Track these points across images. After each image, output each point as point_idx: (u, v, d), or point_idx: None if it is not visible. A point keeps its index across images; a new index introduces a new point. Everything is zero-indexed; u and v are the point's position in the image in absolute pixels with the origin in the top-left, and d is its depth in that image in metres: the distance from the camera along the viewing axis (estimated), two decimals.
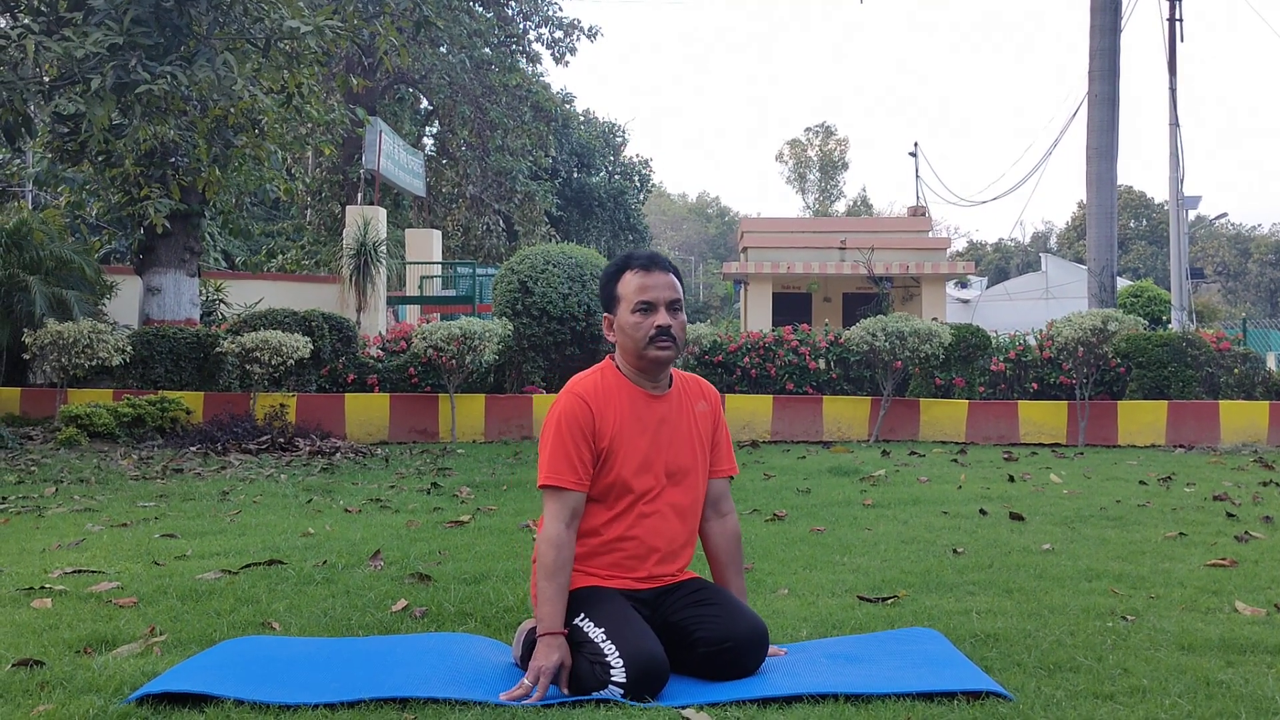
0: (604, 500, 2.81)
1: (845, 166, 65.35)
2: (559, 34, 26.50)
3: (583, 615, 2.70)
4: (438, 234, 20.73)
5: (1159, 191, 73.85)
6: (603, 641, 2.61)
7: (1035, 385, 11.56)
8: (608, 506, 2.82)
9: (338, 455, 9.22)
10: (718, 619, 2.73)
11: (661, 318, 2.80)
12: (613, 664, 2.56)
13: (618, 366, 2.90)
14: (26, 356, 10.94)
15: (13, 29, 9.24)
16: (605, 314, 2.92)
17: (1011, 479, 7.42)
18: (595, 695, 2.55)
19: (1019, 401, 11.17)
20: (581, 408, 2.78)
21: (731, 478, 3.05)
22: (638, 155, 43.72)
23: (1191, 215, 25.12)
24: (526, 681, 2.58)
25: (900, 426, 11.13)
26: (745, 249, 25.82)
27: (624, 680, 2.55)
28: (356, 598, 3.66)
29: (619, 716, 2.45)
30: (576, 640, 2.67)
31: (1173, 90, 20.38)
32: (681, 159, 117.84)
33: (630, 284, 2.84)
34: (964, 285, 33.84)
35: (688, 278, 58.35)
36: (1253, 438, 10.62)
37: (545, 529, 2.73)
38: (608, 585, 2.79)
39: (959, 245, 61.00)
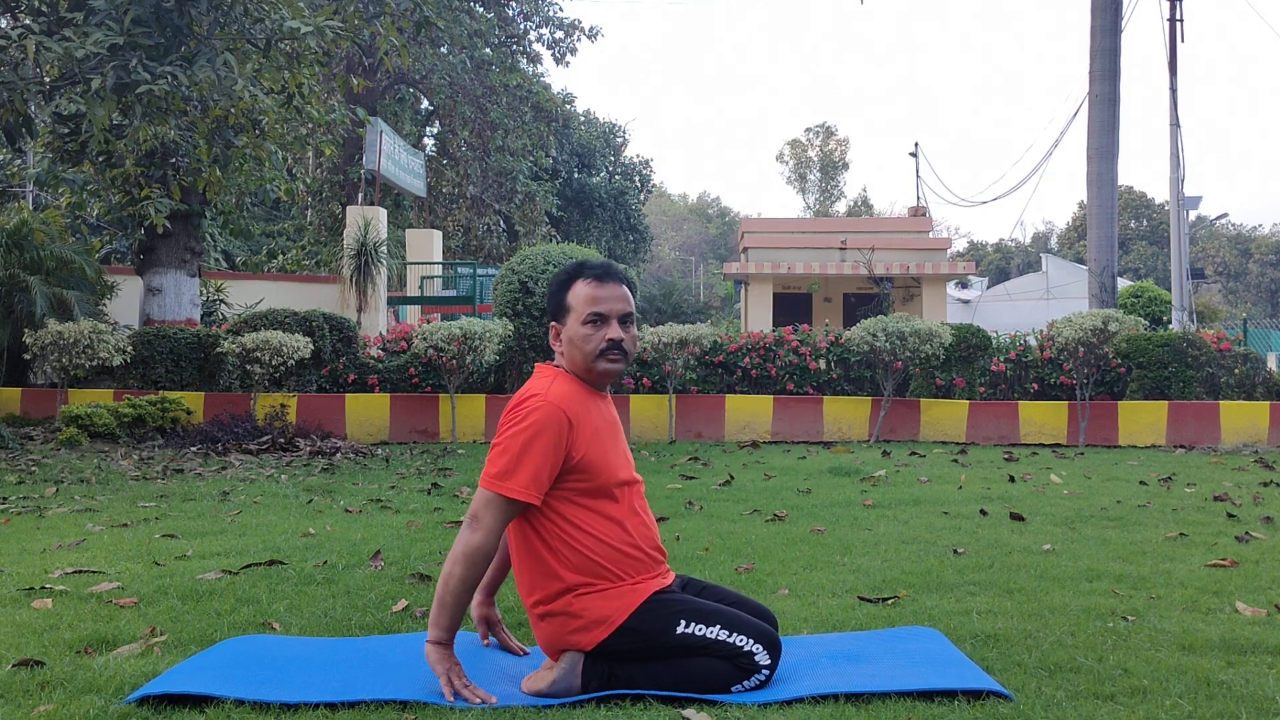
0: (610, 498, 2.69)
1: (846, 167, 65.32)
2: (559, 34, 26.52)
3: (684, 623, 2.62)
4: (438, 234, 20.72)
5: (1159, 192, 74.05)
6: (729, 636, 2.61)
7: (1036, 386, 11.56)
8: (615, 505, 2.70)
9: (338, 455, 9.22)
10: (745, 606, 2.82)
11: (614, 331, 2.71)
12: (754, 650, 2.61)
13: (567, 373, 2.78)
14: (27, 357, 10.95)
15: (13, 29, 9.25)
16: (553, 323, 2.81)
17: (1012, 479, 7.42)
18: (731, 694, 2.59)
19: (1019, 402, 11.16)
20: (563, 421, 2.61)
21: None
22: (638, 155, 43.70)
23: (1192, 215, 25.09)
24: (459, 690, 2.54)
25: (901, 427, 11.13)
26: (746, 249, 25.83)
27: (769, 661, 2.63)
28: (357, 598, 3.66)
29: (618, 716, 2.45)
30: (692, 646, 2.60)
31: (1173, 90, 20.38)
32: (682, 159, 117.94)
33: (581, 294, 2.73)
34: (964, 286, 33.87)
35: (688, 278, 58.38)
36: (1253, 438, 10.62)
37: (484, 541, 2.55)
38: (656, 590, 2.70)
39: (959, 245, 61.05)
